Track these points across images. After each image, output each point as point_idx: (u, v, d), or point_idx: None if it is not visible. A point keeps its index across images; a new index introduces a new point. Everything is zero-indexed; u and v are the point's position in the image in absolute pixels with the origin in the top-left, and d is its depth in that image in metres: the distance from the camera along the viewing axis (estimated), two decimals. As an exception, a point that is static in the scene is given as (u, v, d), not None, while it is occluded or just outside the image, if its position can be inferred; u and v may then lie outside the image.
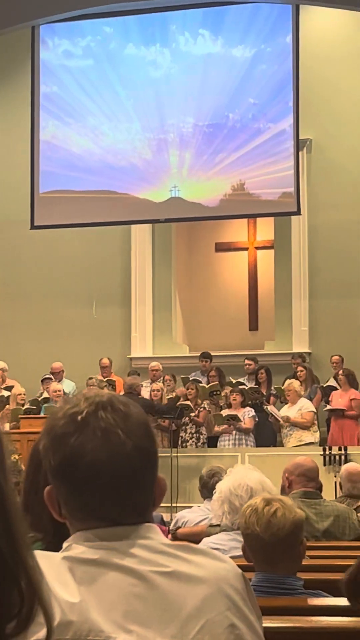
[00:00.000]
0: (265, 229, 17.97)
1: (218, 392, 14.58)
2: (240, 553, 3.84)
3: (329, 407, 14.15)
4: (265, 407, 14.19)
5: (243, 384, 15.11)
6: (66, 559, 1.75)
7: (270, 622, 2.98)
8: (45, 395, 15.18)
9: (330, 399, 14.27)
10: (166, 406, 14.22)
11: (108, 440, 1.78)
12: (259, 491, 4.68)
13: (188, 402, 14.24)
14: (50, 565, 1.70)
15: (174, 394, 15.07)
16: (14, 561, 1.34)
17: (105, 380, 15.47)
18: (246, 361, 15.69)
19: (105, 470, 1.77)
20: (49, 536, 2.71)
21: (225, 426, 13.95)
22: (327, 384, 14.75)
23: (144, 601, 1.69)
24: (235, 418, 13.87)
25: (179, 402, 14.33)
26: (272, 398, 14.59)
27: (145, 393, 15.06)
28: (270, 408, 14.10)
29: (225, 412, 14.11)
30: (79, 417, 1.80)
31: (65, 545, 1.80)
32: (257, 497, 3.90)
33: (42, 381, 15.85)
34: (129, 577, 1.71)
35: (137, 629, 1.67)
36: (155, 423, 14.10)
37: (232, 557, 4.64)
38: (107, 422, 1.80)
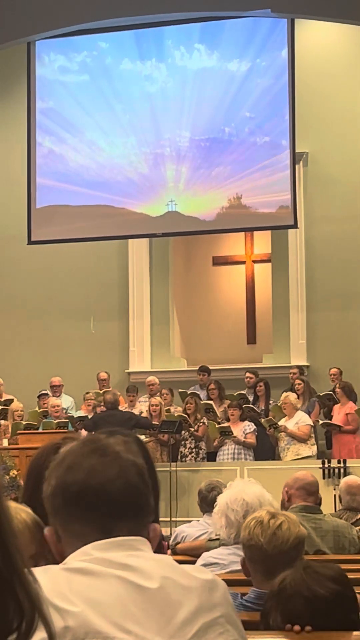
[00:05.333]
0: (263, 242, 17.98)
1: (212, 410, 14.56)
2: (240, 567, 3.83)
3: (326, 420, 14.11)
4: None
5: (245, 395, 15.14)
6: (65, 570, 1.79)
7: (270, 637, 2.96)
8: (44, 410, 15.19)
9: (332, 413, 14.27)
10: (146, 421, 14.16)
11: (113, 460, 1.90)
12: (255, 506, 4.66)
13: (186, 416, 14.23)
14: (49, 577, 1.73)
15: (172, 407, 15.07)
16: (10, 575, 1.35)
17: (102, 393, 15.46)
18: (247, 374, 15.69)
19: (112, 487, 1.86)
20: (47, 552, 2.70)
21: (227, 440, 13.94)
22: (323, 394, 14.74)
23: (141, 606, 1.74)
24: (228, 432, 13.85)
25: (176, 415, 14.34)
26: (270, 413, 14.57)
27: (143, 408, 15.05)
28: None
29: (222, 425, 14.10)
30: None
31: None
32: (262, 510, 3.90)
33: (38, 397, 15.83)
34: (126, 586, 1.75)
35: (136, 629, 1.72)
36: (154, 437, 14.10)
37: (232, 572, 4.65)
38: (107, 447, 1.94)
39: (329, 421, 14.04)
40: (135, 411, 14.91)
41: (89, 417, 14.63)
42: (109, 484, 1.85)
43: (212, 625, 1.76)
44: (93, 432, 2.00)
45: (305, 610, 2.85)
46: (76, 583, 1.75)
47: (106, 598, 1.73)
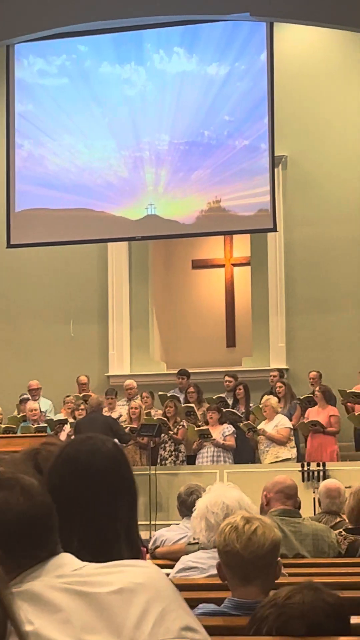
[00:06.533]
0: (242, 246, 18.01)
1: (193, 413, 14.55)
2: (220, 571, 3.82)
3: (313, 419, 14.07)
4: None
5: (224, 399, 15.13)
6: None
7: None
8: (24, 414, 15.15)
9: (306, 415, 14.24)
10: (124, 437, 13.95)
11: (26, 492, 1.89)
12: (235, 509, 4.66)
13: (166, 419, 14.22)
14: None
15: (153, 410, 15.06)
16: None
17: (81, 396, 15.44)
18: (226, 377, 15.67)
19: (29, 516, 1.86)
20: None
21: (207, 443, 13.93)
22: (304, 396, 14.73)
23: (95, 614, 1.76)
24: (207, 434, 13.84)
25: (156, 418, 14.32)
26: (251, 416, 14.56)
27: (123, 411, 15.02)
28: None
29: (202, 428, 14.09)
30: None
31: None
32: (236, 515, 3.89)
33: (20, 402, 15.79)
34: (75, 597, 1.78)
35: (95, 637, 1.73)
36: (134, 441, 14.08)
37: (211, 576, 4.64)
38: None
39: (316, 419, 13.98)
40: (115, 414, 14.88)
41: (69, 420, 14.60)
42: (21, 515, 1.85)
43: (166, 613, 1.78)
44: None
45: (303, 634, 2.82)
46: (27, 605, 1.76)
47: (60, 614, 1.75)
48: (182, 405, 14.71)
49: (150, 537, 7.99)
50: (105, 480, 2.46)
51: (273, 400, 14.16)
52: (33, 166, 16.69)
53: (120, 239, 16.85)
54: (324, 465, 13.18)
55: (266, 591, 3.64)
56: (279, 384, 14.87)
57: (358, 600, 3.91)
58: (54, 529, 1.90)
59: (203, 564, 4.94)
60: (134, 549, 2.47)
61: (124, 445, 13.79)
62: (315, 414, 14.13)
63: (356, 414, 13.92)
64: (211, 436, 13.84)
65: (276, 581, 3.73)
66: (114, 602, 1.76)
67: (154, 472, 13.48)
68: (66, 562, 1.86)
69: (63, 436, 13.99)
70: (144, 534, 9.76)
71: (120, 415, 14.86)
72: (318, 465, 13.19)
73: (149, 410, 14.93)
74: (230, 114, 16.00)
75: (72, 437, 11.51)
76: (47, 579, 1.80)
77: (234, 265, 18.28)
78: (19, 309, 17.73)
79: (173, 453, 14.16)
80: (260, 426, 13.91)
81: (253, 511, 4.70)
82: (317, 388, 14.45)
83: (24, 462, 1.97)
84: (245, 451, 14.20)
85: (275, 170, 16.12)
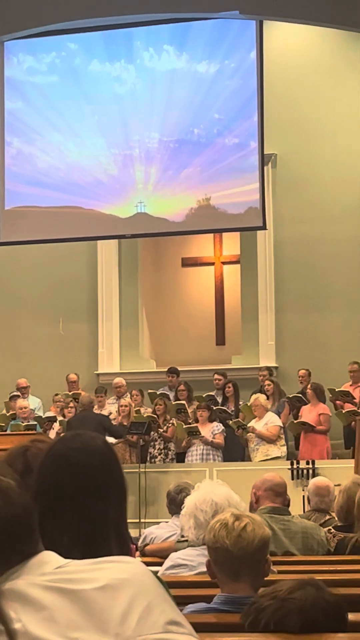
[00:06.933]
0: (231, 244, 18.02)
1: (184, 410, 14.57)
2: (209, 568, 3.82)
3: (301, 420, 14.10)
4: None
5: (213, 397, 15.15)
6: None
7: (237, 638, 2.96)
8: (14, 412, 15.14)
9: (300, 414, 14.28)
10: (118, 430, 14.07)
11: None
12: (224, 507, 4.66)
13: (156, 416, 14.23)
14: None
15: (142, 408, 15.06)
16: None
17: (71, 394, 15.44)
18: (215, 376, 15.69)
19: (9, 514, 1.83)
20: None
21: (196, 441, 13.93)
22: (293, 395, 14.76)
23: (79, 611, 1.74)
24: (195, 432, 13.85)
25: (146, 415, 14.33)
26: (240, 414, 14.58)
27: (113, 409, 15.03)
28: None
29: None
30: None
31: None
32: (226, 512, 3.90)
33: (10, 399, 15.77)
34: (58, 594, 1.76)
35: (80, 634, 1.72)
36: (124, 439, 14.09)
37: (200, 573, 4.64)
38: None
39: (304, 420, 14.03)
40: (105, 412, 14.90)
41: (58, 418, 14.60)
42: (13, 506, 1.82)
43: (151, 608, 1.77)
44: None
45: (298, 630, 2.82)
46: (9, 603, 1.74)
47: (45, 612, 1.73)
48: (173, 403, 14.73)
49: (140, 535, 8.01)
50: (95, 477, 2.46)
51: (262, 398, 14.19)
52: (22, 164, 16.67)
53: (110, 236, 16.84)
54: (313, 463, 13.21)
55: (255, 588, 3.65)
56: (267, 382, 14.90)
57: (349, 597, 3.92)
58: (34, 529, 1.88)
59: (192, 561, 4.94)
60: (124, 547, 2.47)
61: (117, 440, 13.84)
62: (307, 411, 14.17)
63: (343, 411, 13.96)
64: (200, 434, 13.85)
65: (266, 578, 3.74)
66: (98, 598, 1.75)
67: (143, 470, 13.49)
68: (48, 559, 1.84)
69: (52, 434, 13.99)
70: (133, 532, 9.77)
71: (110, 413, 14.86)
72: (307, 463, 13.22)
73: (138, 408, 14.94)
74: (220, 112, 16.00)
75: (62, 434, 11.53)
76: (29, 577, 1.78)
77: (224, 263, 18.28)
78: (8, 306, 17.71)
79: (163, 451, 14.17)
80: (251, 424, 13.93)
81: (242, 509, 4.71)
82: (309, 386, 14.48)
83: (2, 463, 1.95)
84: (235, 449, 14.22)
85: (265, 168, 16.14)
